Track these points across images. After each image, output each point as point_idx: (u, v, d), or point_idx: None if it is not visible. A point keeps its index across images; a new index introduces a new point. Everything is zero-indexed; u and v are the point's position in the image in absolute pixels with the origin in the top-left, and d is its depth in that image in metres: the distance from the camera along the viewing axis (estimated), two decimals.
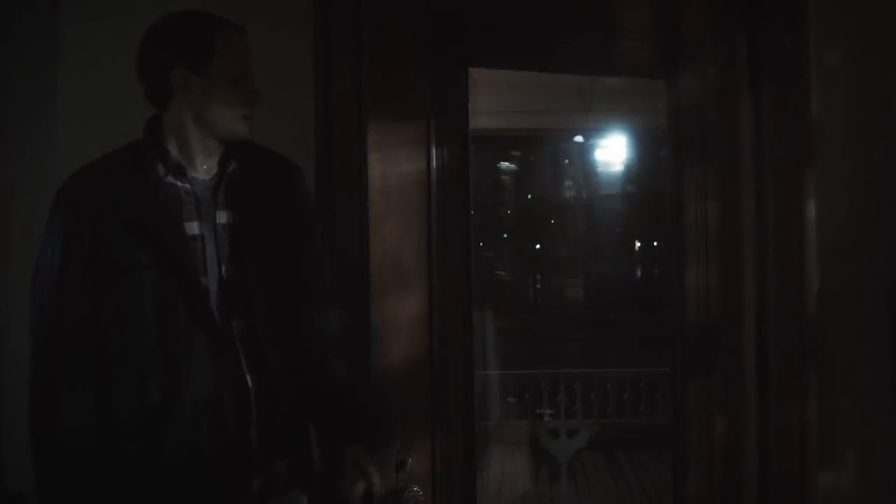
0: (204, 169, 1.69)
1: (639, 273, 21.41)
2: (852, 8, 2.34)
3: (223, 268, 1.66)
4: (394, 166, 2.20)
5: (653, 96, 2.47)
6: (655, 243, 20.55)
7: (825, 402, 2.28)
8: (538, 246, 23.87)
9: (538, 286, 22.89)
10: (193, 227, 1.65)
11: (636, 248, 21.65)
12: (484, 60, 2.39)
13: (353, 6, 2.15)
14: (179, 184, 1.65)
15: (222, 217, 1.68)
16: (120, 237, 1.60)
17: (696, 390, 2.37)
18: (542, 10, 2.32)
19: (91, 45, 2.34)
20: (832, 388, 2.29)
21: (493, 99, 4.21)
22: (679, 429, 2.43)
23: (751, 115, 2.36)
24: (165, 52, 1.63)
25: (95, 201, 1.61)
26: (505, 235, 24.34)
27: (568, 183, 21.35)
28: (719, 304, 2.35)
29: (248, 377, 1.66)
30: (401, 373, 2.19)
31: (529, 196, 23.77)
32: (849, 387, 2.30)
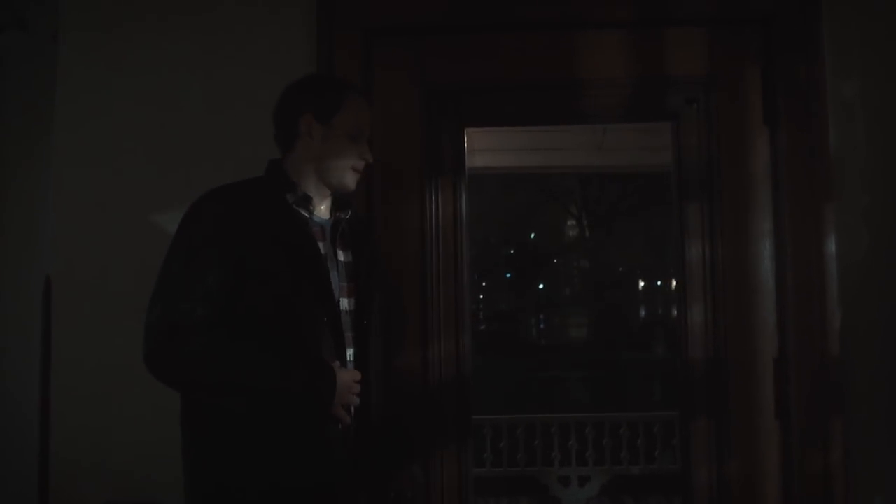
0: (322, 209, 1.87)
1: (642, 312, 21.47)
2: (869, 37, 2.29)
3: (341, 301, 1.83)
4: (395, 218, 2.33)
5: (665, 133, 2.41)
6: (659, 282, 20.63)
7: (850, 446, 2.18)
8: (541, 286, 23.95)
9: (542, 326, 22.99)
10: (322, 248, 1.83)
11: (639, 286, 21.75)
12: (482, 120, 2.56)
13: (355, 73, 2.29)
14: (306, 214, 1.83)
15: (341, 255, 1.87)
16: (267, 247, 1.76)
17: (701, 431, 2.31)
18: (536, 70, 2.37)
19: (88, 82, 2.32)
20: (857, 431, 2.19)
21: (503, 137, 4.29)
22: (685, 472, 2.36)
23: (765, 149, 2.31)
24: (299, 99, 1.86)
25: (240, 218, 1.77)
26: (508, 275, 24.43)
27: (571, 222, 21.52)
28: (730, 343, 2.28)
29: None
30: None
31: (533, 235, 23.90)
32: (875, 429, 2.20)
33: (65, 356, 2.28)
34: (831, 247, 2.23)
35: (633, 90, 2.38)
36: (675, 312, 2.38)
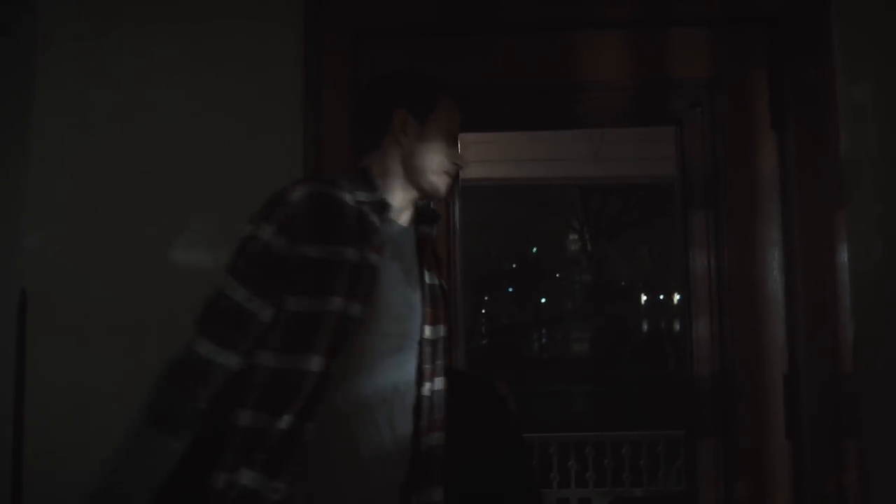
0: (402, 217, 1.72)
1: (645, 327, 21.33)
2: (881, 38, 2.19)
3: (424, 329, 1.69)
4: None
5: (665, 143, 2.32)
6: (661, 296, 20.51)
7: (866, 468, 2.07)
8: (543, 300, 23.84)
9: (543, 340, 22.87)
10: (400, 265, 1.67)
11: (642, 301, 21.62)
12: (476, 125, 2.32)
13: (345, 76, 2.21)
14: (378, 223, 1.63)
15: (427, 277, 1.73)
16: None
17: (708, 450, 2.20)
18: (532, 73, 2.28)
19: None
20: (873, 452, 2.08)
21: (498, 147, 4.22)
22: (691, 494, 2.26)
23: (773, 155, 2.21)
24: (393, 94, 1.71)
25: (336, 211, 1.58)
26: (511, 289, 24.33)
27: (573, 236, 21.42)
28: (737, 358, 2.17)
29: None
30: None
31: (535, 249, 23.81)
32: (892, 449, 2.08)
33: (40, 370, 2.18)
34: (843, 257, 2.12)
35: (634, 93, 2.29)
36: (678, 326, 2.27)
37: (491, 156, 4.09)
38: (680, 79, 2.24)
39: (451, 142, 1.73)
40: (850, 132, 2.16)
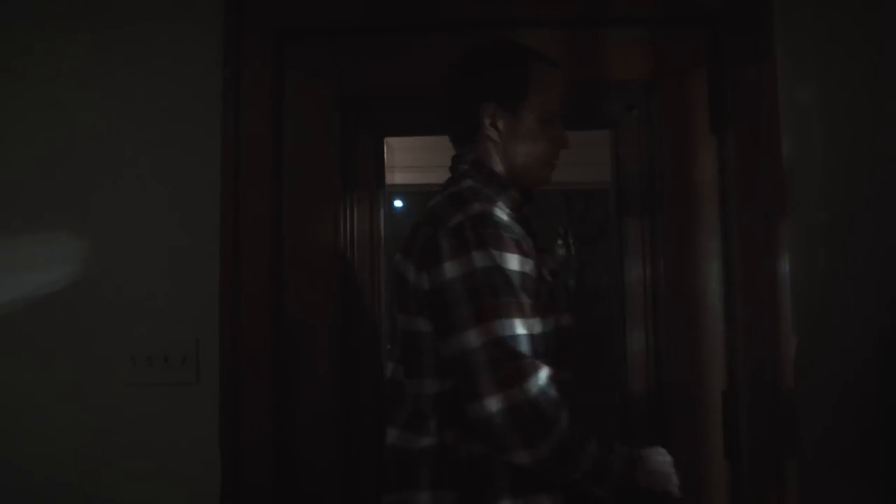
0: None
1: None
2: (825, 37, 2.09)
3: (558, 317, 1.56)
4: (303, 235, 2.12)
5: (601, 148, 2.22)
6: None
7: (806, 488, 1.96)
8: None
9: None
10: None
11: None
12: (404, 129, 2.36)
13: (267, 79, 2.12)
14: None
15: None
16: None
17: None
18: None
19: None
20: (814, 471, 1.97)
21: (429, 153, 4.06)
22: None
23: (712, 160, 2.11)
24: (476, 84, 1.54)
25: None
26: None
27: (559, 242, 21.32)
28: (674, 374, 2.07)
29: None
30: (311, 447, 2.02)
31: None
32: (832, 467, 1.98)
33: None
34: (785, 268, 2.02)
35: (566, 95, 2.17)
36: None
37: (419, 162, 3.99)
38: (615, 80, 2.14)
39: (553, 124, 1.57)
40: (794, 136, 2.07)
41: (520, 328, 1.37)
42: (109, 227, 2.13)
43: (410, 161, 3.92)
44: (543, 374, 1.36)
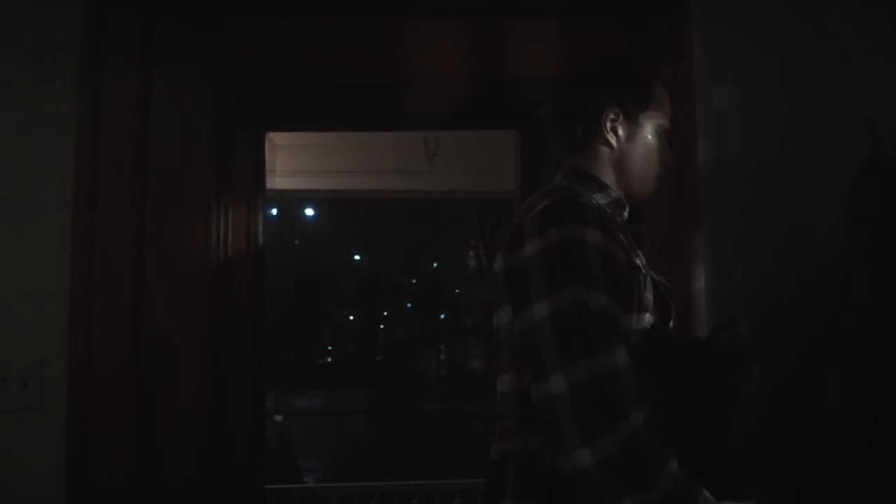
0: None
1: None
2: (746, 36, 1.97)
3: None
4: (170, 241, 1.89)
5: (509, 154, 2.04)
6: None
7: None
8: (442, 316, 23.68)
9: (442, 357, 22.71)
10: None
11: None
12: (287, 123, 2.25)
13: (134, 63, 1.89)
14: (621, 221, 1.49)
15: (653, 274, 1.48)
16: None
17: None
18: (354, 64, 1.97)
19: None
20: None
21: (318, 157, 3.98)
22: None
23: None
24: (600, 88, 1.48)
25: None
26: (409, 305, 24.11)
27: (470, 254, 21.30)
28: None
29: None
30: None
31: (435, 265, 23.66)
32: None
33: None
34: (700, 281, 1.89)
35: (470, 91, 2.00)
36: None
37: (305, 166, 3.83)
38: (523, 76, 1.97)
39: (662, 139, 1.52)
40: (710, 142, 1.94)
41: (596, 301, 1.25)
42: None
43: (287, 165, 3.74)
44: (619, 354, 1.22)
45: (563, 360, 1.20)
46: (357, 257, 23.53)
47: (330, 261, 21.75)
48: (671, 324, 1.49)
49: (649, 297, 1.39)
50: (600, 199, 1.45)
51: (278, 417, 5.71)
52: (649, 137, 1.49)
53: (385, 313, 24.47)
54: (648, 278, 1.41)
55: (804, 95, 1.96)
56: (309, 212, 18.39)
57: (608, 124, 1.47)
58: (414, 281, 23.75)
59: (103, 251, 1.81)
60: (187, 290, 1.86)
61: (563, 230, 1.28)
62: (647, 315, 1.37)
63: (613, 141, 1.47)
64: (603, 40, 1.97)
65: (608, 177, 1.48)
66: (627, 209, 1.52)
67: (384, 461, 10.11)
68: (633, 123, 1.48)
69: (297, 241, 20.90)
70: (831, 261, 1.75)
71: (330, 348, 23.48)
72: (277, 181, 3.72)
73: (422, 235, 20.00)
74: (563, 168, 1.52)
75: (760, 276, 1.91)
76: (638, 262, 1.40)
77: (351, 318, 24.63)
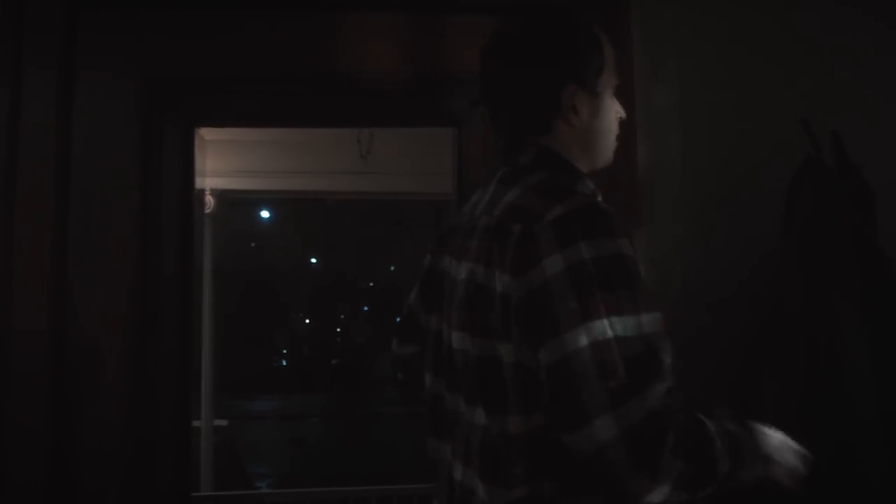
0: None
1: None
2: (688, 35, 1.95)
3: None
4: (94, 244, 1.82)
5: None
6: None
7: None
8: (399, 319, 23.65)
9: None
10: None
11: None
12: (217, 119, 2.15)
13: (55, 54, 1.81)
14: None
15: None
16: None
17: None
18: (287, 59, 1.92)
19: None
20: None
21: (253, 157, 3.95)
22: None
23: None
24: (554, 65, 1.32)
25: None
26: (366, 308, 24.02)
27: (428, 256, 21.22)
28: None
29: None
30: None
31: (393, 268, 23.59)
32: None
33: None
34: None
35: (407, 88, 1.95)
36: None
37: (237, 164, 3.78)
38: (461, 73, 1.91)
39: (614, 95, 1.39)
40: (649, 143, 1.92)
41: (648, 327, 1.11)
42: None
43: (219, 165, 3.68)
44: (667, 381, 1.10)
45: (611, 401, 1.07)
46: (313, 260, 23.35)
47: (286, 263, 21.55)
48: None
49: None
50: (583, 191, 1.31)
51: (221, 422, 5.59)
52: (609, 102, 1.38)
53: (342, 316, 24.29)
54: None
55: (745, 95, 1.95)
56: (265, 214, 18.18)
57: (567, 102, 1.32)
58: (371, 284, 23.62)
59: (21, 252, 1.74)
60: (112, 292, 1.79)
61: (594, 245, 1.13)
62: None
63: (575, 120, 1.34)
64: None
65: (577, 159, 1.35)
66: None
67: (340, 466, 10.01)
68: (593, 97, 1.35)
69: (253, 244, 20.65)
70: (771, 261, 1.73)
71: (285, 352, 23.24)
72: (207, 180, 3.66)
73: (378, 238, 19.88)
74: (525, 147, 1.35)
75: (701, 276, 1.89)
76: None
77: (307, 321, 24.40)
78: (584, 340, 1.08)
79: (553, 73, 1.32)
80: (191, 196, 1.90)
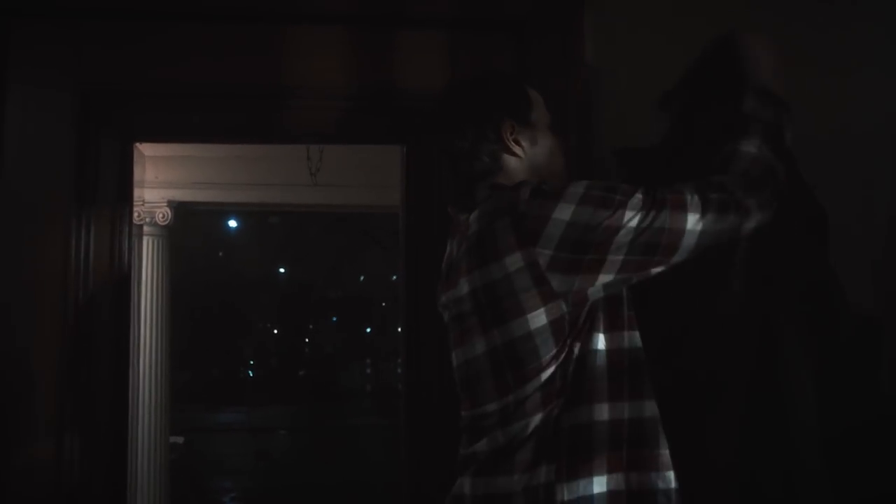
0: None
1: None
2: (642, 49, 1.92)
3: None
4: (23, 262, 1.75)
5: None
6: None
7: None
8: (368, 329, 23.50)
9: (368, 371, 22.49)
10: None
11: None
12: (157, 133, 2.14)
13: None
14: None
15: None
16: None
17: None
18: (231, 72, 1.86)
19: None
20: None
21: (201, 168, 3.93)
22: None
23: None
24: (490, 107, 1.46)
25: None
26: (335, 319, 23.87)
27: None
28: None
29: None
30: None
31: (362, 278, 23.49)
32: None
33: None
34: None
35: (356, 103, 1.90)
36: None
37: (180, 177, 3.73)
38: (410, 89, 1.87)
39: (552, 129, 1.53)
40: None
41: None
42: None
43: (161, 175, 3.63)
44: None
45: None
46: (282, 270, 23.16)
47: (254, 273, 21.35)
48: None
49: None
50: None
51: (177, 439, 5.48)
52: (547, 131, 1.50)
53: (311, 326, 24.13)
54: None
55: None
56: (232, 223, 18.02)
57: (510, 137, 1.45)
58: (340, 293, 23.49)
59: None
60: (44, 311, 1.72)
61: (577, 187, 1.30)
62: None
63: (520, 151, 1.46)
64: (494, 52, 1.89)
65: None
66: None
67: (306, 478, 9.89)
68: (529, 128, 1.47)
69: (220, 253, 20.46)
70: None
71: (252, 362, 23.02)
72: (164, 192, 3.61)
73: (346, 248, 19.76)
74: (481, 189, 1.45)
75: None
76: None
77: (275, 331, 24.20)
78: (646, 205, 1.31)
79: (492, 120, 1.45)
80: (128, 211, 1.83)
